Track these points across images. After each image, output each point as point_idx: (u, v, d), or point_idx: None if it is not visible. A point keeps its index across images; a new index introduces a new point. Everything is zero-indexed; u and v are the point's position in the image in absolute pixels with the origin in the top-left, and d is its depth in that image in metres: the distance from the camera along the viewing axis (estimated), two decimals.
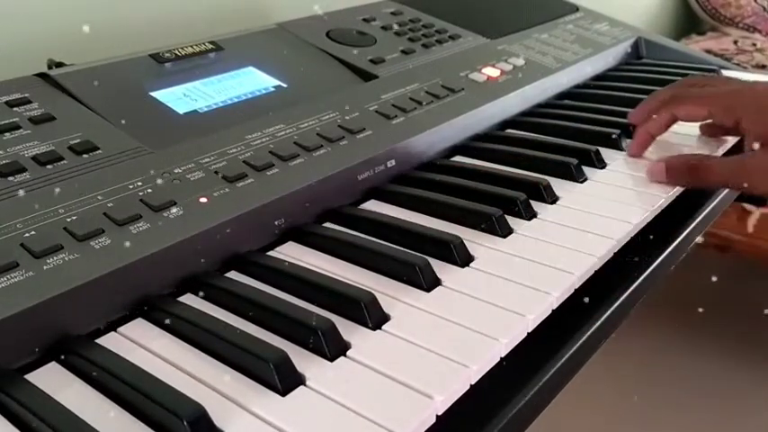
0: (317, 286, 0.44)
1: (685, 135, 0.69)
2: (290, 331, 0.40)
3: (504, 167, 0.61)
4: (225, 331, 0.39)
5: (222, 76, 0.63)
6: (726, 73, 0.90)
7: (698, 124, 0.69)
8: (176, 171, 0.49)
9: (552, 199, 0.56)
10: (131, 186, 0.46)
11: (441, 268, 0.46)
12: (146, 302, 0.42)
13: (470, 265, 0.47)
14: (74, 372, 0.37)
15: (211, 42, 0.66)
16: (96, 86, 0.57)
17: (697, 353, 1.49)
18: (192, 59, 0.64)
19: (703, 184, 0.61)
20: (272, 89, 0.63)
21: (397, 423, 0.33)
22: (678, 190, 0.59)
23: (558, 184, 0.58)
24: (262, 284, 0.45)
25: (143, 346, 0.39)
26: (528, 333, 0.41)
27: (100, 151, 0.49)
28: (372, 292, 0.42)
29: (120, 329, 0.41)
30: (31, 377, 0.37)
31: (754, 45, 1.77)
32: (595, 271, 0.47)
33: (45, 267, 0.39)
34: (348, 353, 0.38)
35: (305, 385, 0.36)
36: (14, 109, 0.51)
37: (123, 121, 0.53)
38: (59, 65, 0.60)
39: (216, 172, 0.49)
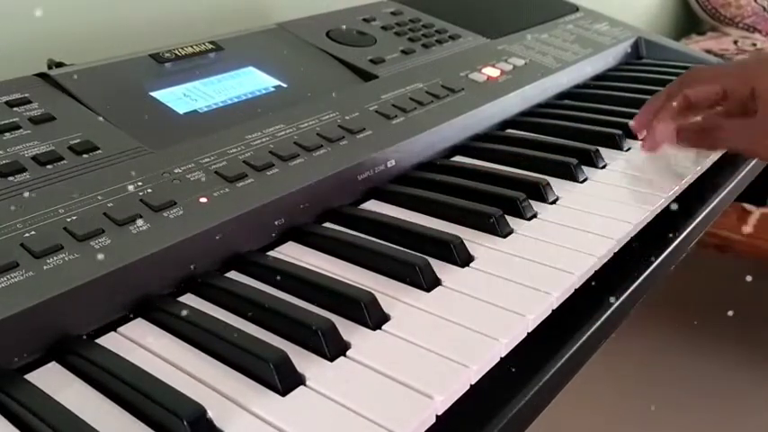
0: (316, 286, 0.44)
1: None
2: (290, 331, 0.40)
3: (504, 167, 0.61)
4: (225, 331, 0.39)
5: (222, 76, 0.63)
6: None
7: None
8: (176, 171, 0.49)
9: (552, 199, 0.56)
10: (131, 186, 0.46)
11: (441, 268, 0.46)
12: (146, 302, 0.42)
13: (470, 265, 0.47)
14: (74, 372, 0.37)
15: (211, 42, 0.66)
16: (96, 86, 0.57)
17: (697, 353, 1.49)
18: (192, 59, 0.64)
19: (713, 146, 0.60)
20: (272, 89, 0.63)
21: (397, 423, 0.33)
22: (678, 190, 0.59)
23: (557, 184, 0.58)
24: (262, 284, 0.45)
25: (143, 346, 0.39)
26: (528, 333, 0.41)
27: (100, 151, 0.49)
28: (372, 292, 0.42)
29: (120, 329, 0.41)
30: (31, 377, 0.37)
31: (754, 45, 1.76)
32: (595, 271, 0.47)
33: (45, 267, 0.39)
34: (348, 353, 0.38)
35: (305, 385, 0.36)
36: (14, 109, 0.51)
37: (123, 121, 0.53)
38: (59, 65, 0.60)
39: (216, 172, 0.49)
